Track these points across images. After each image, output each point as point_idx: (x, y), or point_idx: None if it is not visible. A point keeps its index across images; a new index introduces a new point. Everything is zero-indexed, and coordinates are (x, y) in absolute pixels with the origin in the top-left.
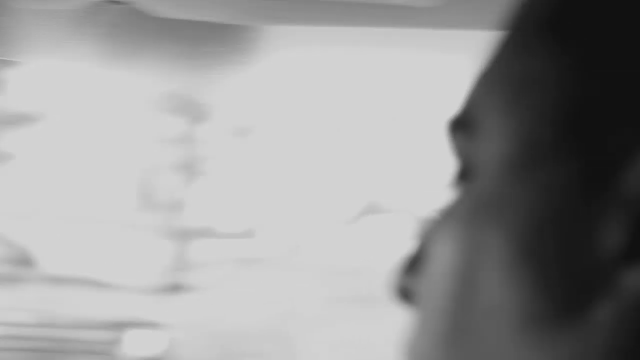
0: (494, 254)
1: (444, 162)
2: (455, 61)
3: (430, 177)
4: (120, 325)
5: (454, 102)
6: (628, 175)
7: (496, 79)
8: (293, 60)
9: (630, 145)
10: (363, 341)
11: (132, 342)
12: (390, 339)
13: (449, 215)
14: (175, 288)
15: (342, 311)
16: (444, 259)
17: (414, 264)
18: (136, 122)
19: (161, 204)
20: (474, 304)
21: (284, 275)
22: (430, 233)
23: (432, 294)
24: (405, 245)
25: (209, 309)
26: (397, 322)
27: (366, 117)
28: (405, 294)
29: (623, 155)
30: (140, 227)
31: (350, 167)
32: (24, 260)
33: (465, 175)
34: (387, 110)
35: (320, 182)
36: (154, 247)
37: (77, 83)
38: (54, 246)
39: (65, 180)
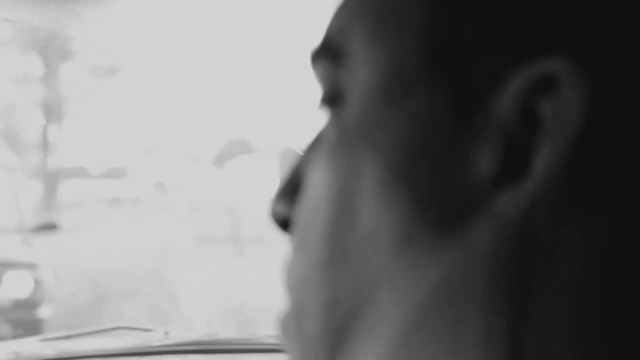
0: (368, 180)
1: (307, 94)
2: None
3: (294, 112)
4: None
5: (312, 32)
6: (497, 101)
7: (362, 9)
8: None
9: (499, 71)
10: (235, 280)
11: (4, 283)
12: (260, 277)
13: (320, 141)
14: (46, 228)
15: (213, 250)
16: (320, 185)
17: (289, 191)
18: None
19: (27, 144)
20: (352, 229)
21: (155, 215)
22: (303, 159)
23: (310, 220)
24: (274, 182)
25: (80, 249)
26: (267, 260)
27: (229, 52)
28: (282, 221)
29: (492, 81)
30: (7, 168)
31: (217, 105)
32: None
33: (332, 102)
34: (249, 44)
35: (189, 121)
36: (23, 188)
37: None
38: None
39: None
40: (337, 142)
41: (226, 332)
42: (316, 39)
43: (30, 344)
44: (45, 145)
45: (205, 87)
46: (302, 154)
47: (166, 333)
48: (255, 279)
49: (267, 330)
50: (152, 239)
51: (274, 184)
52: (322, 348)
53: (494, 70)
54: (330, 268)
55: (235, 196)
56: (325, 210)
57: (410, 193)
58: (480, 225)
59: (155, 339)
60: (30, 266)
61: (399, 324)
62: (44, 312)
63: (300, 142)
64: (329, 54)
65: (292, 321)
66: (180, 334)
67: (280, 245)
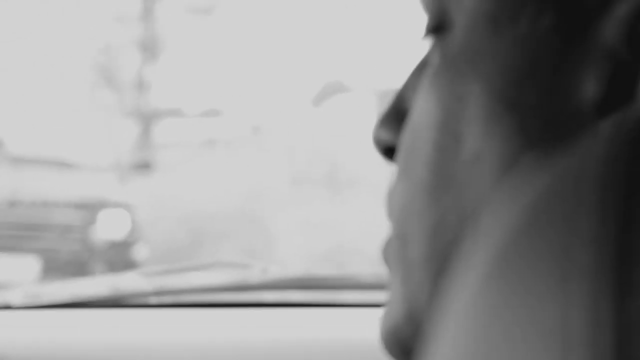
0: (473, 105)
1: (405, 32)
2: None
3: (390, 52)
4: (88, 206)
5: None
6: (603, 26)
7: None
8: None
9: None
10: (330, 221)
11: (100, 223)
12: (355, 219)
13: (424, 68)
14: (141, 168)
15: (308, 192)
16: (424, 111)
17: (393, 117)
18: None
19: (124, 84)
20: (457, 154)
21: (251, 156)
22: (407, 86)
23: (415, 145)
24: (370, 123)
25: (175, 190)
26: (362, 202)
27: None
28: (385, 147)
29: (599, 6)
30: (104, 107)
31: (314, 45)
32: None
33: (438, 29)
34: None
35: (284, 61)
36: (119, 128)
37: None
38: (17, 126)
39: (26, 59)
40: (442, 69)
41: (323, 271)
42: None
43: (129, 279)
44: (141, 84)
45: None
46: (405, 80)
47: (264, 270)
48: (350, 221)
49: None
50: (247, 179)
51: (370, 125)
52: (426, 273)
53: None
54: (434, 193)
55: (332, 137)
56: (430, 135)
57: (515, 117)
58: (583, 147)
59: (254, 275)
60: (126, 206)
61: (505, 234)
62: (139, 252)
63: (397, 81)
64: None
65: (395, 248)
66: (278, 271)
67: (375, 187)
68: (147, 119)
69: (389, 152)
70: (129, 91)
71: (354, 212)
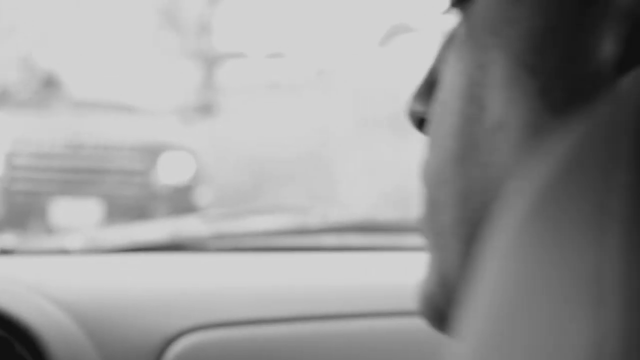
0: (496, 73)
1: None
2: None
3: None
4: (151, 149)
5: None
6: None
7: None
8: None
9: None
10: (395, 163)
11: (163, 166)
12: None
13: (453, 40)
14: (204, 111)
15: (375, 133)
16: (450, 81)
17: (426, 89)
18: None
19: (186, 26)
20: (481, 121)
21: (315, 98)
22: (439, 58)
23: (442, 115)
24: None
25: (239, 133)
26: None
27: None
28: (420, 119)
29: None
30: (166, 49)
31: None
32: (50, 85)
33: (463, 2)
34: None
35: (348, 2)
36: (182, 70)
37: None
38: (79, 69)
39: (89, 2)
40: (465, 39)
41: (385, 214)
42: None
43: (188, 223)
44: (204, 26)
45: None
46: (436, 53)
47: (324, 213)
48: (416, 163)
49: None
50: (311, 121)
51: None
52: (457, 239)
53: None
54: (461, 160)
55: (397, 78)
56: (455, 104)
57: (536, 82)
58: (612, 99)
59: (314, 219)
60: (189, 149)
61: (541, 186)
62: (202, 196)
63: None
64: None
65: (428, 215)
66: (338, 215)
67: None
68: (210, 62)
69: (422, 123)
70: (192, 33)
71: (419, 154)
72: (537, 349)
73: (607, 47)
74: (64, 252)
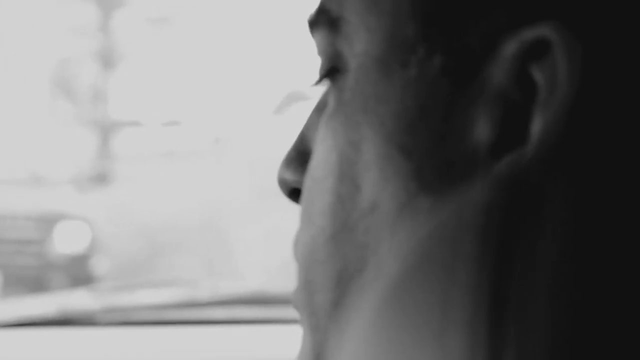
0: (368, 152)
1: None
2: None
3: None
4: (46, 219)
5: None
6: (492, 68)
7: None
8: None
9: (492, 38)
10: (291, 234)
11: (59, 235)
12: None
13: (322, 109)
14: (100, 179)
15: (271, 202)
16: (323, 157)
17: (296, 158)
18: (48, 10)
19: (80, 95)
20: (354, 201)
21: (211, 167)
22: (308, 126)
23: (314, 190)
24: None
25: (135, 202)
26: None
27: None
28: (290, 189)
29: (486, 48)
30: (61, 118)
31: (271, 56)
32: None
33: (332, 72)
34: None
35: (244, 71)
36: (77, 138)
37: None
38: None
39: None
40: (335, 113)
41: (280, 285)
42: (312, 5)
43: (78, 296)
44: (100, 95)
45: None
46: (306, 120)
47: (215, 286)
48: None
49: None
50: (208, 191)
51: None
52: (332, 322)
53: (486, 36)
54: (335, 242)
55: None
56: (328, 181)
57: (410, 162)
58: (475, 187)
59: (204, 292)
60: (84, 218)
61: (391, 280)
62: (99, 265)
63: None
64: (325, 23)
65: (302, 295)
66: (228, 287)
67: None
68: (105, 130)
69: (294, 193)
70: (87, 102)
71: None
72: None
73: (481, 129)
74: None
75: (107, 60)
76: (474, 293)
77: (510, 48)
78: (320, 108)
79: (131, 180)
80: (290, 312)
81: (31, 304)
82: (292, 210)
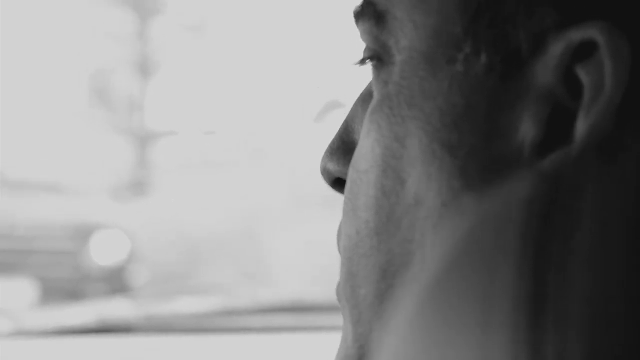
0: (413, 147)
1: None
2: None
3: None
4: (83, 230)
5: None
6: (538, 67)
7: None
8: None
9: (539, 37)
10: (329, 241)
11: (96, 246)
12: None
13: (367, 99)
14: (137, 190)
15: (309, 211)
16: (368, 150)
17: (339, 148)
18: (85, 18)
19: (117, 104)
20: (399, 195)
21: (249, 176)
22: (352, 116)
23: (360, 185)
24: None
25: (173, 211)
26: None
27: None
28: (333, 179)
29: (533, 47)
30: (98, 128)
31: (310, 65)
32: None
33: (377, 63)
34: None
35: (283, 79)
36: (114, 148)
37: None
38: (10, 149)
39: (18, 81)
40: (380, 106)
41: (318, 293)
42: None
43: (117, 305)
44: (137, 104)
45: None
46: (350, 110)
47: (254, 294)
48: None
49: None
50: (246, 200)
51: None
52: (376, 316)
53: (533, 35)
54: (380, 235)
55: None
56: (373, 175)
57: (455, 159)
58: (518, 185)
59: (242, 300)
60: (122, 229)
61: (435, 275)
62: (137, 275)
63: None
64: (371, 15)
65: (346, 288)
66: (267, 295)
67: None
68: (142, 140)
69: (336, 183)
70: (124, 111)
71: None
72: None
73: (527, 128)
74: None
75: (144, 68)
76: (514, 287)
77: (557, 48)
78: (364, 99)
79: (169, 190)
80: (328, 320)
81: (70, 312)
82: (330, 219)
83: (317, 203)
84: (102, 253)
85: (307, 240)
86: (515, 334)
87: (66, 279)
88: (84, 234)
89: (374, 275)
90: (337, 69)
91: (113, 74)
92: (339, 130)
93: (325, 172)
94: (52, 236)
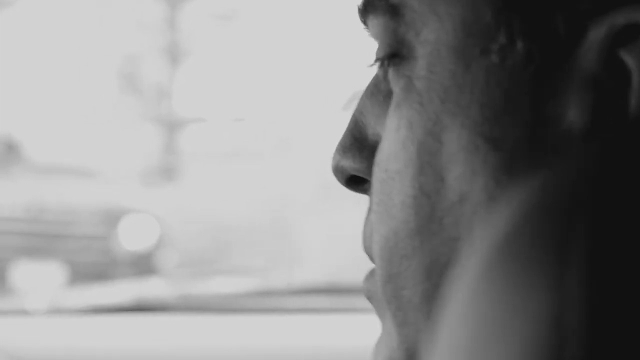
0: (452, 143)
1: None
2: None
3: None
4: (112, 214)
5: None
6: (580, 53)
7: None
8: None
9: (579, 22)
10: (357, 231)
11: (125, 230)
12: None
13: (379, 95)
14: (166, 176)
15: (336, 200)
16: (399, 148)
17: (353, 144)
18: (116, 5)
19: (147, 90)
20: (441, 193)
21: (276, 164)
22: (364, 112)
23: (393, 185)
24: None
25: (201, 198)
26: None
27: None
28: (347, 176)
29: (573, 32)
30: (126, 114)
31: (338, 53)
32: (10, 149)
33: (395, 58)
34: None
35: (311, 67)
36: (143, 134)
37: None
38: (39, 133)
39: (48, 66)
40: (407, 102)
41: (351, 276)
42: None
43: (152, 284)
44: (165, 91)
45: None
46: (360, 105)
47: (289, 276)
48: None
49: None
50: (274, 188)
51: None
52: (423, 314)
53: (572, 21)
54: (422, 235)
55: None
56: (407, 173)
57: (498, 153)
58: (566, 172)
59: (278, 282)
60: (150, 215)
61: (483, 270)
62: (164, 261)
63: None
64: (385, 9)
65: (386, 288)
66: (301, 277)
67: None
68: (171, 127)
69: (351, 181)
70: (153, 98)
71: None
72: None
73: (572, 116)
74: (26, 313)
75: (173, 55)
76: (593, 236)
77: (598, 32)
78: (372, 93)
79: (197, 177)
80: (362, 302)
81: (105, 291)
82: (357, 208)
83: (344, 192)
84: (132, 238)
85: (335, 228)
86: (591, 281)
87: (95, 263)
88: (113, 218)
89: (419, 276)
90: (365, 57)
91: (143, 60)
92: (349, 127)
93: (339, 170)
94: (81, 221)
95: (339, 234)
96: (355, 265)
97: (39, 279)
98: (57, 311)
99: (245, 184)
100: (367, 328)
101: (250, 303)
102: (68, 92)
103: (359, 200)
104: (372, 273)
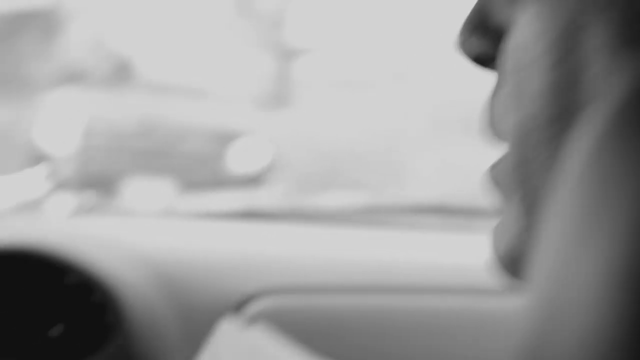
0: (594, 39)
1: None
2: None
3: None
4: (224, 135)
5: None
6: None
7: None
8: None
9: None
10: (469, 166)
11: (236, 152)
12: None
13: None
14: (279, 102)
15: (447, 136)
16: (533, 40)
17: (480, 26)
18: None
19: (262, 17)
20: (580, 86)
21: (389, 98)
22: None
23: (528, 73)
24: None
25: (313, 126)
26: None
27: None
28: (475, 56)
29: None
30: (241, 38)
31: None
32: (124, 67)
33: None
34: None
35: (426, 5)
36: (256, 60)
37: None
38: (153, 53)
39: None
40: None
41: (463, 198)
42: None
43: (265, 194)
44: (281, 18)
45: None
46: None
47: (399, 195)
48: (485, 164)
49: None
50: (386, 121)
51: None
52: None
53: None
54: (558, 124)
55: (472, 82)
56: (546, 61)
57: (637, 54)
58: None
59: (389, 199)
60: (263, 137)
61: (612, 114)
62: (276, 184)
63: None
64: None
65: (514, 172)
66: (412, 196)
67: None
68: (285, 54)
69: (480, 60)
70: (267, 25)
71: (489, 157)
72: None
73: None
74: (144, 214)
75: None
76: None
77: None
78: None
79: (309, 105)
80: (473, 223)
81: (219, 199)
82: (468, 144)
83: (456, 127)
84: (243, 159)
85: (446, 163)
86: None
87: (206, 182)
88: (225, 139)
89: (552, 165)
90: None
91: None
92: (475, 10)
93: (466, 46)
94: (194, 140)
95: (449, 166)
96: (464, 194)
97: (150, 195)
98: (173, 214)
99: (358, 113)
100: (477, 248)
101: (359, 217)
102: (184, 11)
103: (469, 134)
104: (499, 161)
